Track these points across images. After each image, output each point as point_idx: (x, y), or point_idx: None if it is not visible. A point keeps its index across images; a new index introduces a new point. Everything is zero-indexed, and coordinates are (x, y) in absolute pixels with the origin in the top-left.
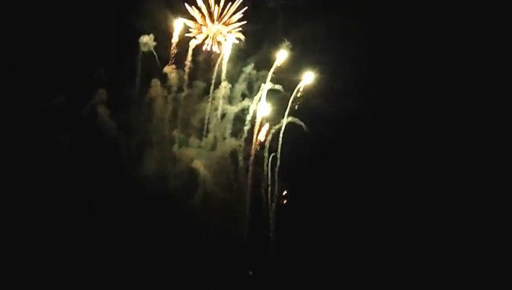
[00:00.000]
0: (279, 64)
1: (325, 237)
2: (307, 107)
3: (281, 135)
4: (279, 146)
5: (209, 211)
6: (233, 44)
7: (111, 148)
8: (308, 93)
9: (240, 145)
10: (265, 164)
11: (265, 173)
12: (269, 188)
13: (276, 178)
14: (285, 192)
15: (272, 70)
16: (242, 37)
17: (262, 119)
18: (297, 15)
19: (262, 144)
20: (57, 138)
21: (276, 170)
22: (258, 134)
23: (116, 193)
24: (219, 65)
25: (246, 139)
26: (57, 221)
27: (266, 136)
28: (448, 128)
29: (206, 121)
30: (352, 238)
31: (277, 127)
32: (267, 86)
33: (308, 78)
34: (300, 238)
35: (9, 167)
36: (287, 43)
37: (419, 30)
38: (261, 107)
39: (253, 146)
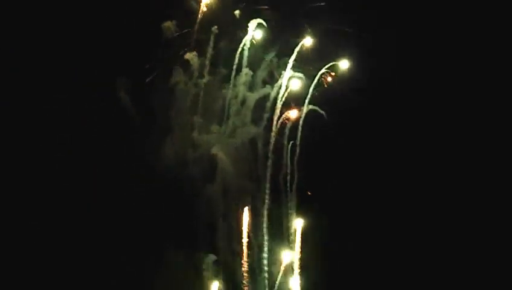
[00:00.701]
0: (301, 52)
1: (344, 228)
2: (328, 96)
3: (300, 123)
4: (299, 134)
5: (228, 198)
6: (256, 30)
7: (132, 134)
8: (329, 82)
9: (260, 133)
10: (284, 152)
11: (284, 161)
12: (288, 177)
13: (296, 167)
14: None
15: (293, 57)
16: (264, 23)
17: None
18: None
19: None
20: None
21: (296, 158)
22: (278, 120)
23: (136, 179)
24: (241, 52)
25: (265, 126)
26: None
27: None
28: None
29: (226, 108)
30: (370, 230)
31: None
32: (287, 72)
33: (330, 66)
34: (318, 229)
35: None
36: (309, 30)
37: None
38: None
39: (273, 133)
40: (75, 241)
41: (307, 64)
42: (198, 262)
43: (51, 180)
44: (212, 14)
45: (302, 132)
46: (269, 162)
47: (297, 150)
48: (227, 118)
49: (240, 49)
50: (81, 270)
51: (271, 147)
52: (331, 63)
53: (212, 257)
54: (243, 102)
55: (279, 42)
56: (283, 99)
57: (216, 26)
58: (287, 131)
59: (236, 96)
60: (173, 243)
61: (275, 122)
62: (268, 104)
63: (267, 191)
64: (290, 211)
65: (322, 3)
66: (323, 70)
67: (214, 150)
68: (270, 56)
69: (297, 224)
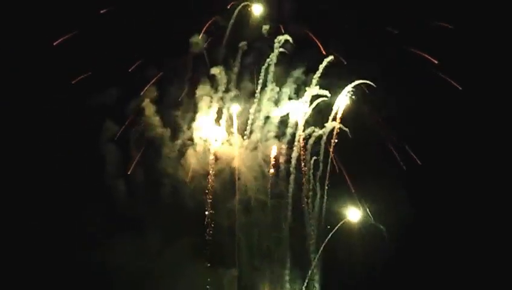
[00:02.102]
0: (327, 68)
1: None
2: (353, 113)
3: (324, 139)
4: (322, 151)
5: (249, 213)
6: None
7: (155, 144)
8: (353, 100)
9: (282, 148)
10: (307, 169)
11: (306, 178)
12: (310, 193)
13: (318, 184)
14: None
15: (318, 73)
16: (290, 39)
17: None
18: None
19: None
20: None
21: (318, 175)
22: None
23: (156, 189)
24: (267, 68)
25: (288, 142)
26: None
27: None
28: None
29: (249, 122)
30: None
31: (321, 131)
32: (313, 89)
33: (353, 85)
34: (340, 247)
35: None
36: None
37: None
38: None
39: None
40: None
41: (333, 81)
42: (219, 277)
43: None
44: (240, 30)
45: (325, 148)
46: (291, 178)
47: (321, 167)
48: (251, 133)
49: (266, 65)
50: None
51: (293, 162)
52: (357, 82)
53: (233, 272)
54: (267, 117)
55: (307, 58)
56: (307, 115)
57: (245, 42)
58: (309, 147)
59: (260, 111)
60: (195, 258)
61: (297, 138)
62: (293, 120)
63: (289, 208)
64: (312, 229)
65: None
66: (348, 87)
67: (235, 164)
68: (297, 72)
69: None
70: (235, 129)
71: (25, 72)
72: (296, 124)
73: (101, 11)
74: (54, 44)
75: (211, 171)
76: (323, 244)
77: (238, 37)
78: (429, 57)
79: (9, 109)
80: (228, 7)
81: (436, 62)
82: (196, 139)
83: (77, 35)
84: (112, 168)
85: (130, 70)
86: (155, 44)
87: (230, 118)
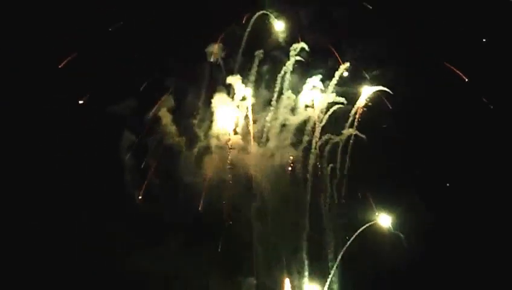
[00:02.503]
0: (341, 77)
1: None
2: (370, 121)
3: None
4: (338, 158)
5: (266, 221)
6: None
7: (172, 153)
8: (371, 107)
9: (298, 156)
10: (324, 176)
11: (324, 185)
12: (327, 201)
13: (335, 191)
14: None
15: (334, 81)
16: (306, 47)
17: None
18: (364, 26)
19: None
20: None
21: (335, 182)
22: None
23: (173, 198)
24: (283, 75)
25: (304, 149)
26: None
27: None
28: None
29: (265, 130)
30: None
31: (337, 138)
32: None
33: (370, 91)
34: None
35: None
36: (352, 55)
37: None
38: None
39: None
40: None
41: (349, 88)
42: (238, 286)
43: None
44: (257, 38)
45: (341, 155)
46: (308, 185)
47: (338, 174)
48: (267, 140)
49: (282, 73)
50: None
51: (310, 170)
52: (374, 88)
53: (252, 281)
54: (284, 125)
55: (323, 66)
56: (323, 122)
57: (261, 50)
58: (326, 154)
59: (276, 119)
60: (213, 266)
61: (314, 145)
62: (309, 127)
63: (307, 214)
64: (329, 238)
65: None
66: (364, 94)
67: (252, 171)
68: (313, 80)
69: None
70: (249, 114)
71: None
72: (313, 131)
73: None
74: (65, 61)
75: (227, 179)
76: (342, 252)
77: (254, 45)
78: (459, 73)
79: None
80: (244, 19)
81: (465, 79)
82: (213, 148)
83: (93, 46)
84: (130, 177)
85: (146, 80)
86: (172, 54)
87: (247, 125)
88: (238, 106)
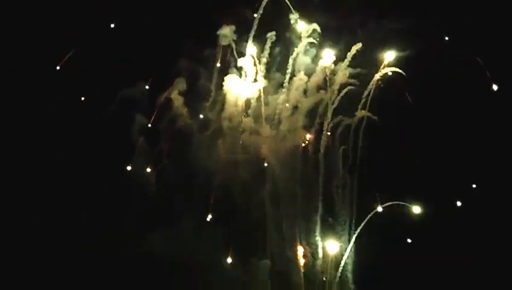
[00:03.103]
0: (353, 58)
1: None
2: (381, 102)
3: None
4: (351, 140)
5: (278, 204)
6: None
7: (183, 136)
8: (383, 87)
9: (311, 138)
10: (337, 159)
11: (336, 167)
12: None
13: (348, 173)
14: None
15: (346, 62)
16: (318, 28)
17: None
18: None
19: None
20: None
21: (348, 164)
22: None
23: (186, 181)
24: (295, 57)
25: (316, 131)
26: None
27: None
28: None
29: (278, 112)
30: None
31: (350, 120)
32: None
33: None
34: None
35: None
36: (362, 35)
37: None
38: None
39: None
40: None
41: (361, 69)
42: (252, 268)
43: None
44: (268, 21)
45: (354, 137)
46: (321, 168)
47: (350, 156)
48: (279, 123)
49: (294, 55)
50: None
51: (322, 152)
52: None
53: (266, 263)
54: (296, 107)
55: (335, 47)
56: (335, 104)
57: (274, 32)
58: (338, 136)
59: (288, 101)
60: (227, 248)
61: (325, 127)
62: (321, 109)
63: (320, 198)
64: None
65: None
66: (377, 76)
67: (263, 153)
68: (325, 61)
69: None
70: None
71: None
72: (325, 114)
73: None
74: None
75: (239, 161)
76: (355, 235)
77: (266, 28)
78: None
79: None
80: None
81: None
82: (225, 130)
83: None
84: (142, 160)
85: (159, 63)
86: (184, 37)
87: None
88: (249, 89)
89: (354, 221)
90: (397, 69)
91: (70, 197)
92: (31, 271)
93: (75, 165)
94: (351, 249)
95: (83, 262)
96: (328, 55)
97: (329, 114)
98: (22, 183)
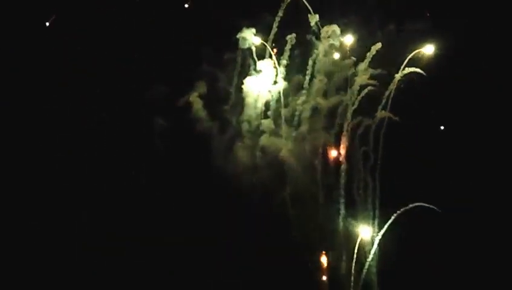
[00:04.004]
0: (376, 57)
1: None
2: (403, 103)
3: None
4: (371, 141)
5: (299, 206)
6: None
7: (203, 138)
8: (404, 87)
9: (331, 140)
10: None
11: (357, 169)
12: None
13: (369, 175)
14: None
15: (366, 63)
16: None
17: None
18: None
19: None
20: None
21: (369, 166)
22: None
23: (206, 184)
24: (315, 59)
25: (336, 133)
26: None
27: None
28: None
29: (297, 113)
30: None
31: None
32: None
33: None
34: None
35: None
36: (381, 35)
37: None
38: None
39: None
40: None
41: (382, 70)
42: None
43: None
44: (288, 23)
45: (375, 139)
46: (342, 169)
47: (372, 157)
48: (299, 124)
49: (314, 56)
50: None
51: (343, 153)
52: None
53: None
54: (316, 108)
55: (355, 49)
56: (355, 105)
57: (294, 35)
58: (357, 138)
59: (308, 103)
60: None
61: (346, 128)
62: (341, 110)
63: (342, 201)
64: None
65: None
66: (398, 75)
67: (283, 155)
68: (346, 62)
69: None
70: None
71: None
72: (345, 115)
73: None
74: None
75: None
76: (378, 237)
77: (286, 30)
78: None
79: None
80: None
81: None
82: (244, 132)
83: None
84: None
85: (180, 66)
86: (204, 40)
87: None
88: (269, 91)
89: (376, 222)
90: (418, 70)
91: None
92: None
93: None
94: (374, 252)
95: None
96: (349, 38)
97: (349, 115)
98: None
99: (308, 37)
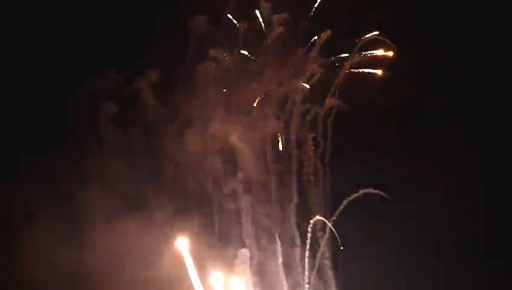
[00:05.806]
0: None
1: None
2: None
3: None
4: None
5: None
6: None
7: (152, 126)
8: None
9: (283, 128)
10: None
11: (308, 156)
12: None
13: (319, 162)
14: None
15: (315, 50)
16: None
17: None
18: None
19: None
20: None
21: (319, 152)
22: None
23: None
24: (268, 47)
25: (287, 120)
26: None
27: None
28: None
29: (249, 101)
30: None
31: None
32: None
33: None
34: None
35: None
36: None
37: None
38: None
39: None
40: None
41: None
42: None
43: None
44: (241, 10)
45: (325, 127)
46: (292, 156)
47: (322, 145)
48: (251, 112)
49: (267, 44)
50: None
51: (293, 141)
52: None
53: (245, 252)
54: (268, 96)
55: (307, 37)
56: (304, 93)
57: (246, 23)
58: (307, 125)
59: (261, 91)
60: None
61: (295, 115)
62: (292, 98)
63: (294, 187)
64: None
65: None
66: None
67: (233, 142)
68: (298, 51)
69: None
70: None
71: None
72: (295, 102)
73: None
74: None
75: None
76: (331, 223)
77: (239, 17)
78: None
79: None
80: None
81: None
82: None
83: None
84: (111, 150)
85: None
86: (156, 26)
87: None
88: (221, 79)
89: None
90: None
91: None
92: None
93: None
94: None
95: None
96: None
97: (299, 103)
98: None
99: (261, 25)
